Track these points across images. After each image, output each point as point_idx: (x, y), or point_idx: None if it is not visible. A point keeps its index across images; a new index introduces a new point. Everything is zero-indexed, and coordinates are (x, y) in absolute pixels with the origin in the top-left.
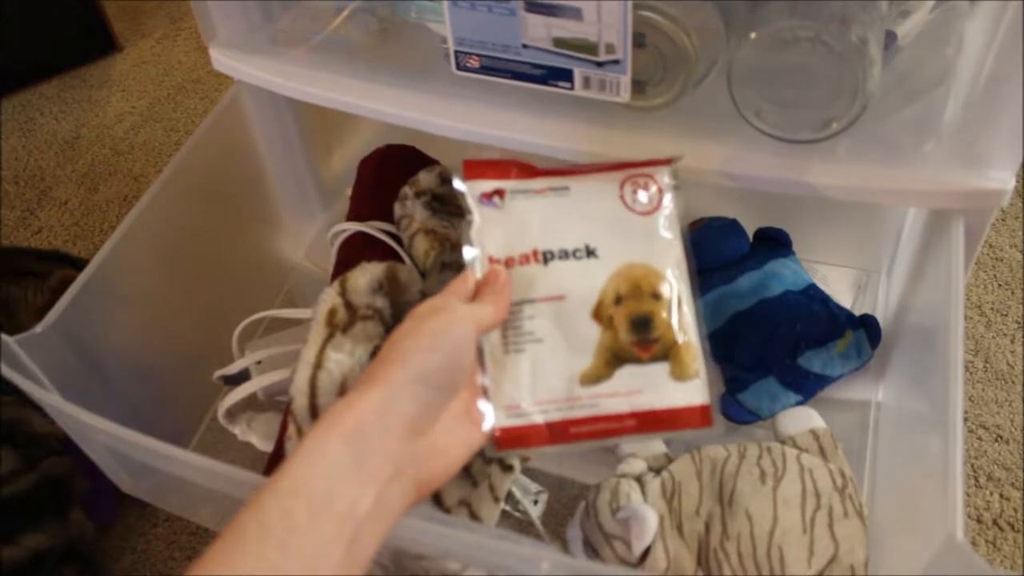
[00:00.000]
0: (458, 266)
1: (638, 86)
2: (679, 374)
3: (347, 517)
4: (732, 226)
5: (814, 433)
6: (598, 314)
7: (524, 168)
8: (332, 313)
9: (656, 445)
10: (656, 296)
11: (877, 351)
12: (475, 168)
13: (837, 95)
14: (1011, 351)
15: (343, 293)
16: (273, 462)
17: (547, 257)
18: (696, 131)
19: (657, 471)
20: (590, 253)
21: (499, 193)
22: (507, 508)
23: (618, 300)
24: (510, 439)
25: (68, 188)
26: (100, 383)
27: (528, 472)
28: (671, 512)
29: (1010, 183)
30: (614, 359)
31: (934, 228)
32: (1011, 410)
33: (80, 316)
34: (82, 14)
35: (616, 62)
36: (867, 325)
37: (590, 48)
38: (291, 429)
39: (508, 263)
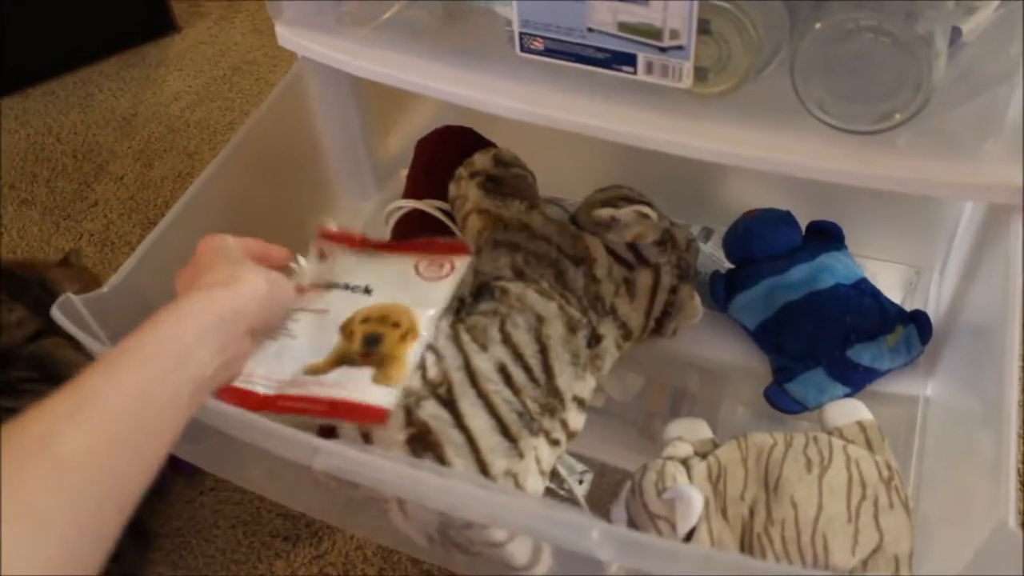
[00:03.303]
0: (510, 244)
1: (700, 73)
2: (380, 379)
3: (198, 375)
4: (785, 218)
5: (861, 425)
6: (345, 328)
7: (361, 240)
8: None
9: (703, 430)
10: (396, 325)
11: (927, 347)
12: (328, 235)
13: (900, 87)
14: None
15: None
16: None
17: (332, 286)
18: (755, 119)
19: (703, 456)
20: (367, 291)
21: (330, 244)
22: (552, 486)
23: (364, 320)
24: (230, 394)
25: (124, 163)
26: None
27: (572, 454)
28: (716, 495)
29: None
30: (338, 361)
31: (991, 225)
32: None
33: (144, 279)
34: None
35: (680, 48)
36: (918, 321)
37: (655, 33)
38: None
39: (325, 286)
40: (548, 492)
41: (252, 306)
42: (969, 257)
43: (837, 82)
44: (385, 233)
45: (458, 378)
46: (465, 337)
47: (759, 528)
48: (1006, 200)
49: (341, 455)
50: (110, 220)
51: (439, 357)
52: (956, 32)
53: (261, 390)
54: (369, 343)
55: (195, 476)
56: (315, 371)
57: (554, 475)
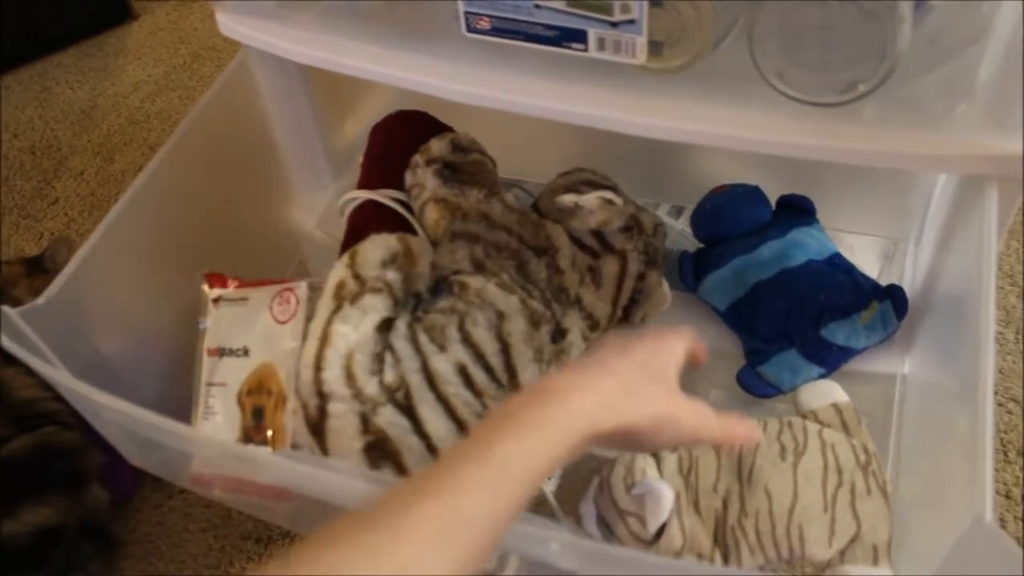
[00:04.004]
0: (469, 236)
1: (655, 47)
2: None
3: (532, 483)
4: (754, 193)
5: (836, 407)
6: (239, 400)
7: (234, 279)
8: (340, 286)
9: None
10: (270, 393)
11: (904, 322)
12: (211, 278)
13: (864, 55)
14: None
15: (352, 266)
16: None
17: (222, 352)
18: (716, 94)
19: (674, 447)
20: (245, 353)
21: (217, 300)
22: None
23: (249, 393)
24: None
25: (84, 158)
26: (104, 355)
27: None
28: (687, 488)
29: None
30: (245, 438)
31: (965, 195)
32: None
33: (85, 287)
34: None
35: (632, 22)
36: (893, 296)
37: (605, 8)
38: (293, 403)
39: (218, 352)
40: None
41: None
42: (944, 228)
43: (797, 52)
44: (341, 225)
45: (416, 381)
46: (423, 337)
47: (733, 520)
48: (980, 170)
49: (289, 469)
50: (71, 218)
51: (397, 359)
52: None
53: (207, 471)
54: (256, 417)
55: (162, 480)
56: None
57: None
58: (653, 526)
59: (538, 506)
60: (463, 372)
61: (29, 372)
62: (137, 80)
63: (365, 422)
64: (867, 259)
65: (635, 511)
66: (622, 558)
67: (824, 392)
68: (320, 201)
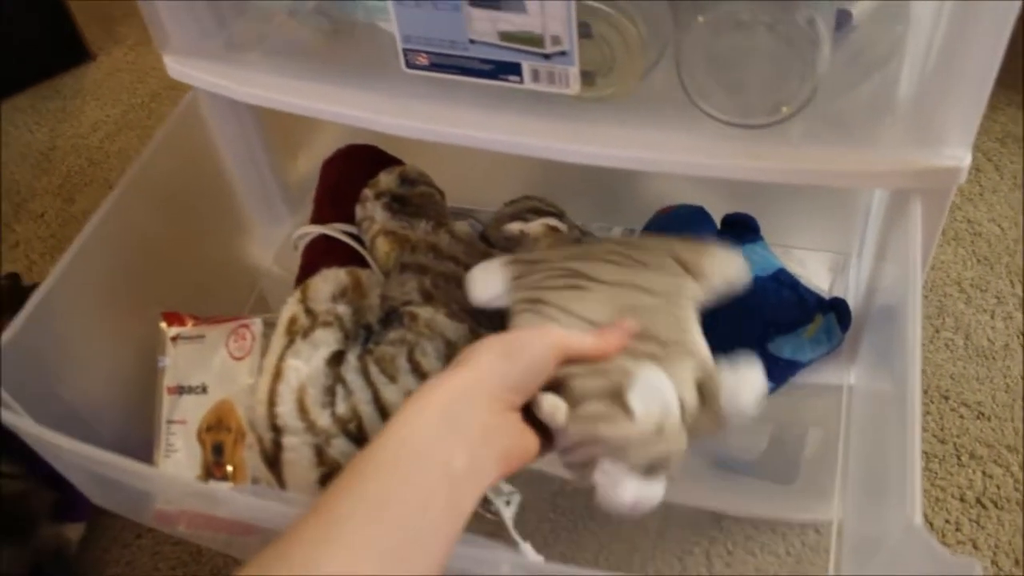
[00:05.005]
0: (418, 267)
1: (587, 77)
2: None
3: (444, 471)
4: (698, 213)
5: None
6: (199, 437)
7: (191, 317)
8: (292, 321)
9: None
10: (229, 429)
11: (848, 334)
12: (169, 317)
13: (786, 78)
14: (991, 327)
15: (304, 300)
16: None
17: (181, 390)
18: (649, 120)
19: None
20: (204, 390)
21: (175, 339)
22: (479, 510)
23: (208, 429)
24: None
25: (44, 200)
26: (63, 398)
27: None
28: None
29: (965, 160)
30: (206, 474)
31: (895, 208)
32: (992, 386)
33: (41, 330)
34: (53, 23)
35: (563, 54)
36: (837, 308)
37: (536, 41)
38: (250, 438)
39: (177, 390)
40: (474, 516)
41: (481, 381)
42: (878, 240)
43: (723, 76)
44: (298, 259)
45: (368, 412)
46: (374, 369)
47: None
48: (904, 184)
49: (247, 504)
50: (32, 260)
51: (348, 392)
52: (846, 15)
53: (171, 509)
54: (216, 452)
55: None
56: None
57: (482, 498)
58: None
59: (497, 533)
60: None
61: None
62: (96, 120)
63: (320, 454)
64: (817, 273)
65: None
66: None
67: None
68: (276, 236)
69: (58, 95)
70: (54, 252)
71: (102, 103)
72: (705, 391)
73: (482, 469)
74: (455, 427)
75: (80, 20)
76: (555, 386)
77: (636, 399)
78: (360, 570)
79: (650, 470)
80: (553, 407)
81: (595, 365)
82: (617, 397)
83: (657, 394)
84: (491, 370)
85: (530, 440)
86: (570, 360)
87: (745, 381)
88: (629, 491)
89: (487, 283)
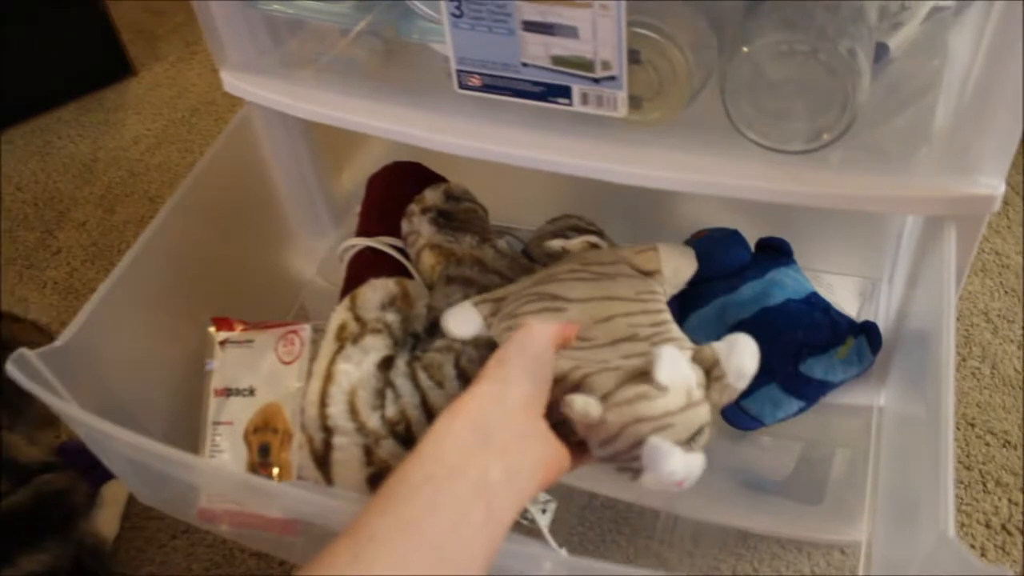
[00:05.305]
0: (463, 279)
1: (635, 101)
2: None
3: (480, 483)
4: (733, 236)
5: None
6: (246, 438)
7: (240, 322)
8: (342, 328)
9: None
10: (275, 431)
11: (879, 357)
12: (218, 321)
13: (827, 107)
14: (1018, 357)
15: (353, 308)
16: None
17: (228, 392)
18: (692, 144)
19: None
20: (251, 393)
21: (224, 343)
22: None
23: (255, 431)
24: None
25: (86, 209)
26: (116, 396)
27: None
28: None
29: (999, 188)
30: (252, 474)
31: (928, 235)
32: (1018, 416)
33: (98, 330)
34: (98, 40)
35: (612, 78)
36: (868, 332)
37: (587, 65)
38: (301, 438)
39: (224, 392)
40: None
41: (509, 388)
42: (911, 266)
43: (766, 103)
44: (340, 271)
45: (416, 415)
46: (422, 374)
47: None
48: (938, 211)
49: (297, 497)
50: (73, 267)
51: (397, 395)
52: (884, 48)
53: (214, 506)
54: (262, 453)
55: (166, 520)
56: None
57: None
58: None
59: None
60: None
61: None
62: (137, 134)
63: (369, 454)
64: (846, 298)
65: None
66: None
67: None
68: (319, 249)
69: (101, 108)
70: (95, 259)
71: (143, 117)
72: (703, 363)
73: (520, 478)
74: (487, 439)
75: (124, 37)
76: (571, 391)
77: (664, 374)
78: None
79: (691, 441)
80: (585, 402)
81: (601, 362)
82: (640, 377)
83: (679, 366)
84: (516, 376)
85: (563, 448)
86: (560, 350)
87: (738, 345)
88: (679, 462)
89: (466, 322)
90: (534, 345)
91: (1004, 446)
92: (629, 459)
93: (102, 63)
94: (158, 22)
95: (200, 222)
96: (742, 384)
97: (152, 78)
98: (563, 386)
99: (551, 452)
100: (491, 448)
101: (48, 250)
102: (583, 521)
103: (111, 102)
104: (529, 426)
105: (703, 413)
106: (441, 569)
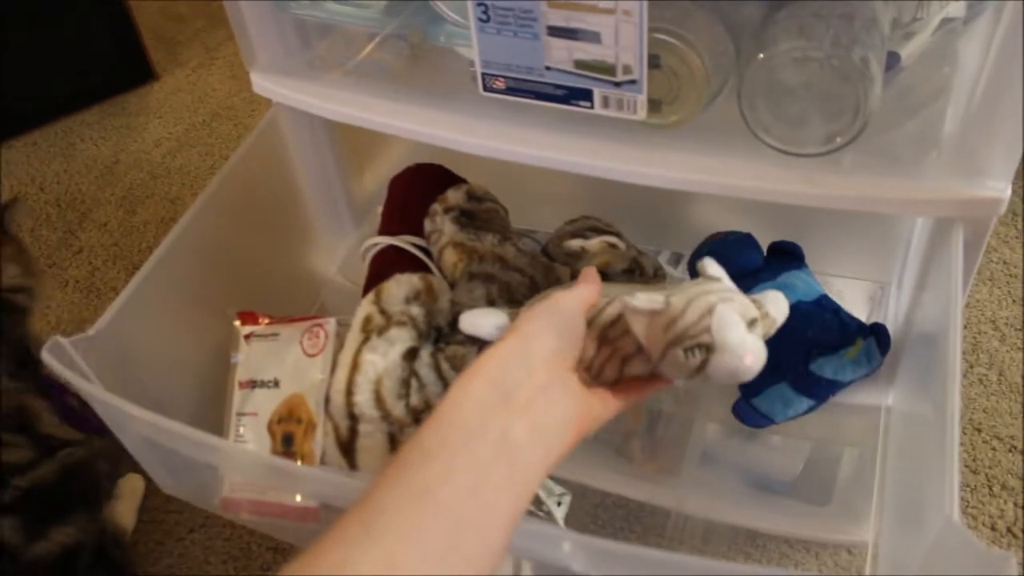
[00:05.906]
0: (485, 276)
1: (654, 104)
2: None
3: (501, 443)
4: (746, 239)
5: None
6: (269, 428)
7: (265, 316)
8: (367, 320)
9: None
10: (299, 421)
11: (887, 358)
12: (243, 316)
13: (840, 112)
14: None
15: (378, 302)
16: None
17: (253, 384)
18: (709, 146)
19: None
20: (276, 384)
21: (249, 336)
22: (531, 508)
23: (279, 421)
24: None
25: (107, 210)
26: (143, 386)
27: (551, 477)
28: None
29: (1006, 191)
30: None
31: (937, 238)
32: None
33: (128, 322)
34: (121, 44)
35: (633, 82)
36: (877, 333)
37: (609, 69)
38: (327, 426)
39: (249, 384)
40: (527, 514)
41: (530, 341)
42: (920, 269)
43: (781, 108)
44: (363, 268)
45: None
46: (445, 365)
47: None
48: (948, 213)
49: (322, 479)
50: (95, 267)
51: (421, 384)
52: (895, 57)
53: (236, 495)
54: (286, 443)
55: (184, 513)
56: None
57: (533, 498)
58: None
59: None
60: None
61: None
62: (158, 137)
63: (393, 441)
64: (855, 301)
65: None
66: (633, 557)
67: None
68: (341, 248)
69: (123, 112)
70: (116, 259)
71: (164, 121)
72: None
73: (548, 434)
74: (508, 397)
75: (147, 42)
76: (608, 327)
77: (713, 267)
78: (400, 564)
79: (751, 324)
80: (648, 296)
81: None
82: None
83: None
84: (538, 330)
85: (599, 398)
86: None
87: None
88: (746, 335)
89: (489, 318)
90: (563, 303)
91: (1010, 451)
92: (699, 331)
93: (125, 68)
94: (179, 29)
95: (226, 220)
96: (781, 318)
97: (173, 83)
98: (599, 322)
99: (583, 405)
100: (513, 406)
101: (70, 250)
102: (595, 519)
103: (133, 106)
104: (557, 379)
105: (752, 308)
106: (459, 535)
